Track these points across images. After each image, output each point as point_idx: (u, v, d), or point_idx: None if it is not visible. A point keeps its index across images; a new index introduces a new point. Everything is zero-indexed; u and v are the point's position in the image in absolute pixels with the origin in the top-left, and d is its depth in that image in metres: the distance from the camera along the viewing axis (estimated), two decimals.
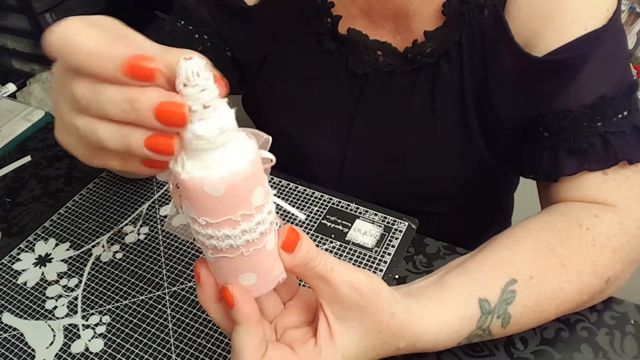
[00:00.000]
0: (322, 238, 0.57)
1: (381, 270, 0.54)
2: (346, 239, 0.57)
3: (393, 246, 0.56)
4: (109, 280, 0.56)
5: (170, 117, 0.27)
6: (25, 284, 0.56)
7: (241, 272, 0.34)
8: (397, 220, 0.59)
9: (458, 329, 0.42)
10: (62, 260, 0.58)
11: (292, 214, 0.36)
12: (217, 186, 0.29)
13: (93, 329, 0.52)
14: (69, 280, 0.56)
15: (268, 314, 0.40)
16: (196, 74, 0.27)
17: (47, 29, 0.29)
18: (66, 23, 0.29)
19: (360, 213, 0.60)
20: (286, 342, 0.38)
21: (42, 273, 0.57)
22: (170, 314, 0.52)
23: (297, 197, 0.62)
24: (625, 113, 0.49)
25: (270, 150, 0.34)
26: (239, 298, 0.35)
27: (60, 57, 0.29)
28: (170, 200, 0.64)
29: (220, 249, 0.33)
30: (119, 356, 0.49)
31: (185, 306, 0.53)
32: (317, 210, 0.60)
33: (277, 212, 0.35)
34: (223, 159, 0.29)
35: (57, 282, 0.56)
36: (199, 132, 0.28)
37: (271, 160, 0.33)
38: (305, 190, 0.63)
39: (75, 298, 0.54)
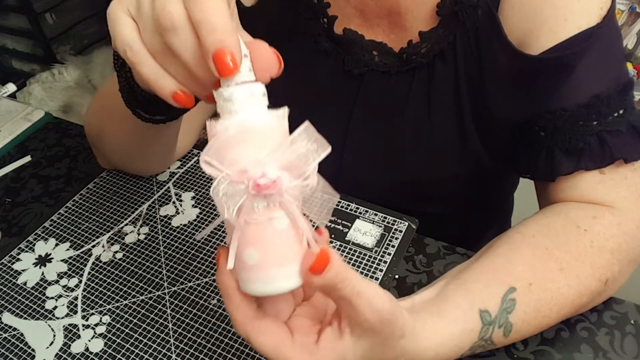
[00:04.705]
0: None
1: (381, 270, 0.54)
2: (346, 239, 0.57)
3: (393, 246, 0.56)
4: (109, 280, 0.56)
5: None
6: (25, 284, 0.56)
7: (245, 246, 0.33)
8: (397, 220, 0.59)
9: (459, 342, 0.42)
10: (62, 260, 0.58)
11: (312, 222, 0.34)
12: (229, 130, 0.31)
13: (93, 329, 0.52)
14: (69, 280, 0.56)
15: (281, 317, 0.39)
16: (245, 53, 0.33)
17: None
18: None
19: (360, 213, 0.60)
20: (289, 326, 0.37)
21: (42, 273, 0.57)
22: (170, 314, 0.52)
23: None
24: (621, 112, 0.49)
25: None
26: (222, 264, 0.34)
27: None
28: (170, 201, 0.64)
29: (228, 207, 0.32)
30: (119, 356, 0.49)
31: (185, 306, 0.53)
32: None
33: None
34: (244, 116, 0.32)
35: (57, 282, 0.56)
36: (234, 95, 0.32)
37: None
38: None
39: (75, 298, 0.55)
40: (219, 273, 0.35)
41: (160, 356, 0.49)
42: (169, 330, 0.51)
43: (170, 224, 0.61)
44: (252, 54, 0.33)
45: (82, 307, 0.54)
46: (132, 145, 0.59)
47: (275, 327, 0.36)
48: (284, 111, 0.33)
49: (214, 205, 0.62)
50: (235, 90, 0.32)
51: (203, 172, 0.67)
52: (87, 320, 0.52)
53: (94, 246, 0.60)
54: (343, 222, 0.59)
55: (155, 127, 0.49)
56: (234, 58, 0.31)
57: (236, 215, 0.32)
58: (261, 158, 0.31)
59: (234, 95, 0.32)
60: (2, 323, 0.53)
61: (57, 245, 0.60)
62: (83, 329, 0.52)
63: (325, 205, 0.35)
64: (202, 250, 0.58)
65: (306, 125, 0.32)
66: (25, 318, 0.53)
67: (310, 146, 0.32)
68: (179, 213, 0.62)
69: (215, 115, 0.33)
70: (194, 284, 0.54)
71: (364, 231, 0.58)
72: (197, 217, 0.61)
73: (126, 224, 0.62)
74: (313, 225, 0.34)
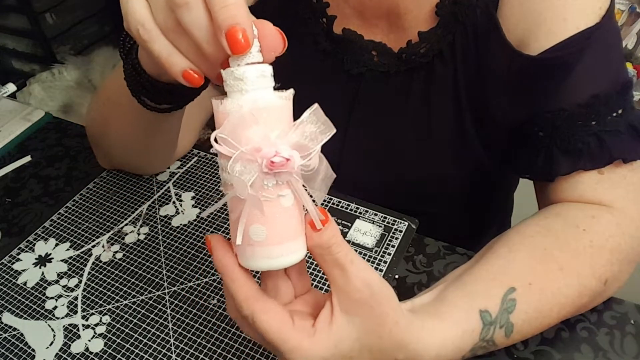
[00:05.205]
0: None
1: (381, 270, 0.54)
2: (346, 239, 0.57)
3: (393, 246, 0.56)
4: (109, 280, 0.56)
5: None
6: (25, 284, 0.56)
7: (252, 223, 0.33)
8: (397, 220, 0.59)
9: (460, 343, 0.42)
10: (62, 260, 0.58)
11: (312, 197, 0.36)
12: (243, 109, 0.32)
13: (93, 329, 0.52)
14: (69, 280, 0.56)
15: (281, 298, 0.39)
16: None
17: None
18: None
19: (360, 213, 0.60)
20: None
21: (42, 273, 0.57)
22: (170, 314, 0.52)
23: None
24: (620, 112, 0.49)
25: None
26: (216, 246, 0.35)
27: None
28: (170, 201, 0.64)
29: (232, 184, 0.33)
30: (119, 356, 0.49)
31: (185, 306, 0.53)
32: None
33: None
34: (255, 95, 0.32)
35: (57, 282, 0.56)
36: (246, 74, 0.32)
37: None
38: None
39: (75, 298, 0.55)
40: (215, 254, 0.35)
41: (160, 356, 0.49)
42: (169, 330, 0.51)
43: (170, 224, 0.61)
44: (258, 34, 0.33)
45: (82, 307, 0.54)
46: (135, 139, 0.59)
47: (279, 307, 0.36)
48: (290, 93, 0.34)
49: (214, 202, 0.62)
50: (247, 70, 0.32)
51: (203, 172, 0.67)
52: (87, 320, 0.52)
53: (94, 246, 0.60)
54: (343, 222, 0.59)
55: (159, 118, 0.49)
56: (246, 35, 0.31)
57: (250, 191, 0.33)
58: (274, 137, 0.32)
59: (246, 75, 0.32)
60: (2, 323, 0.53)
61: (57, 245, 0.60)
62: (83, 329, 0.52)
63: (325, 183, 0.36)
64: (202, 250, 0.58)
65: (315, 107, 0.33)
66: (25, 318, 0.53)
67: (318, 128, 0.33)
68: (178, 213, 0.62)
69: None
70: (194, 284, 0.54)
71: (364, 231, 0.58)
72: (197, 217, 0.61)
73: (126, 224, 0.62)
74: (313, 202, 0.35)
